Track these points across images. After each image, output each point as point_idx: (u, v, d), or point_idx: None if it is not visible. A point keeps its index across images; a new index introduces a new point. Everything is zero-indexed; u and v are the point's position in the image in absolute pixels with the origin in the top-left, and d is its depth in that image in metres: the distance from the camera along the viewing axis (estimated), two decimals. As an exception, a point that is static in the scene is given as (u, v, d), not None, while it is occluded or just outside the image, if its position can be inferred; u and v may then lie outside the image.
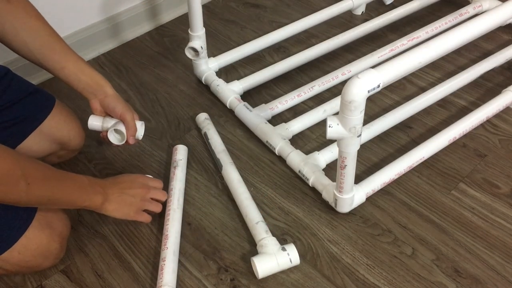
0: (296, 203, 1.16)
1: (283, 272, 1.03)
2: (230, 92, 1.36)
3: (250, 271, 1.04)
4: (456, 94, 1.39)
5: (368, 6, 1.70)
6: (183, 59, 1.53)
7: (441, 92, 1.34)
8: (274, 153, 1.25)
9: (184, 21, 1.70)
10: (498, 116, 1.32)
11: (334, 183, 1.09)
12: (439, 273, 1.03)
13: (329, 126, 0.91)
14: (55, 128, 1.15)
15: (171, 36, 1.65)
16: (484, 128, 1.31)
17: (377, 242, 1.08)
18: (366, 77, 0.85)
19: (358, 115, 0.89)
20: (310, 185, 1.16)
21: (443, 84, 1.35)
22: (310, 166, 1.16)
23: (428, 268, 1.04)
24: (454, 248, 1.07)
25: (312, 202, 1.16)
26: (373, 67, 0.88)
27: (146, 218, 1.06)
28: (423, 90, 1.40)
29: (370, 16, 1.67)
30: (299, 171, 1.18)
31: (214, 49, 1.57)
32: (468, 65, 1.45)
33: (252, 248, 1.07)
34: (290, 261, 1.02)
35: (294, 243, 1.07)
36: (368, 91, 0.86)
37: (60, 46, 1.05)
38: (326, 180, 1.13)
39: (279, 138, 1.23)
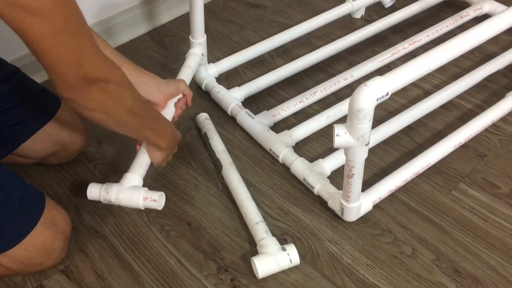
0: (296, 203, 1.16)
1: (283, 272, 1.03)
2: (231, 99, 1.34)
3: (250, 271, 1.04)
4: (460, 96, 1.37)
5: (370, 8, 1.70)
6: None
7: (446, 96, 1.33)
8: (274, 153, 1.25)
9: (184, 20, 1.70)
10: (498, 116, 1.32)
11: (341, 192, 1.07)
12: (439, 273, 1.03)
13: (337, 135, 0.89)
14: (59, 130, 1.15)
15: (171, 36, 1.65)
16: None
17: (377, 242, 1.08)
18: (375, 85, 0.84)
19: (366, 123, 0.87)
20: (316, 193, 1.14)
21: (448, 88, 1.34)
22: (315, 174, 1.14)
23: (428, 268, 1.04)
24: (454, 248, 1.07)
25: (312, 202, 1.16)
26: (376, 71, 0.87)
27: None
28: (426, 92, 1.40)
29: (373, 18, 1.66)
30: (304, 179, 1.16)
31: (214, 49, 1.57)
32: (471, 67, 1.45)
33: (252, 248, 1.07)
34: (290, 261, 1.02)
35: (294, 243, 1.07)
36: (377, 99, 0.84)
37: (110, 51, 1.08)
38: (332, 189, 1.11)
39: (282, 146, 1.21)
